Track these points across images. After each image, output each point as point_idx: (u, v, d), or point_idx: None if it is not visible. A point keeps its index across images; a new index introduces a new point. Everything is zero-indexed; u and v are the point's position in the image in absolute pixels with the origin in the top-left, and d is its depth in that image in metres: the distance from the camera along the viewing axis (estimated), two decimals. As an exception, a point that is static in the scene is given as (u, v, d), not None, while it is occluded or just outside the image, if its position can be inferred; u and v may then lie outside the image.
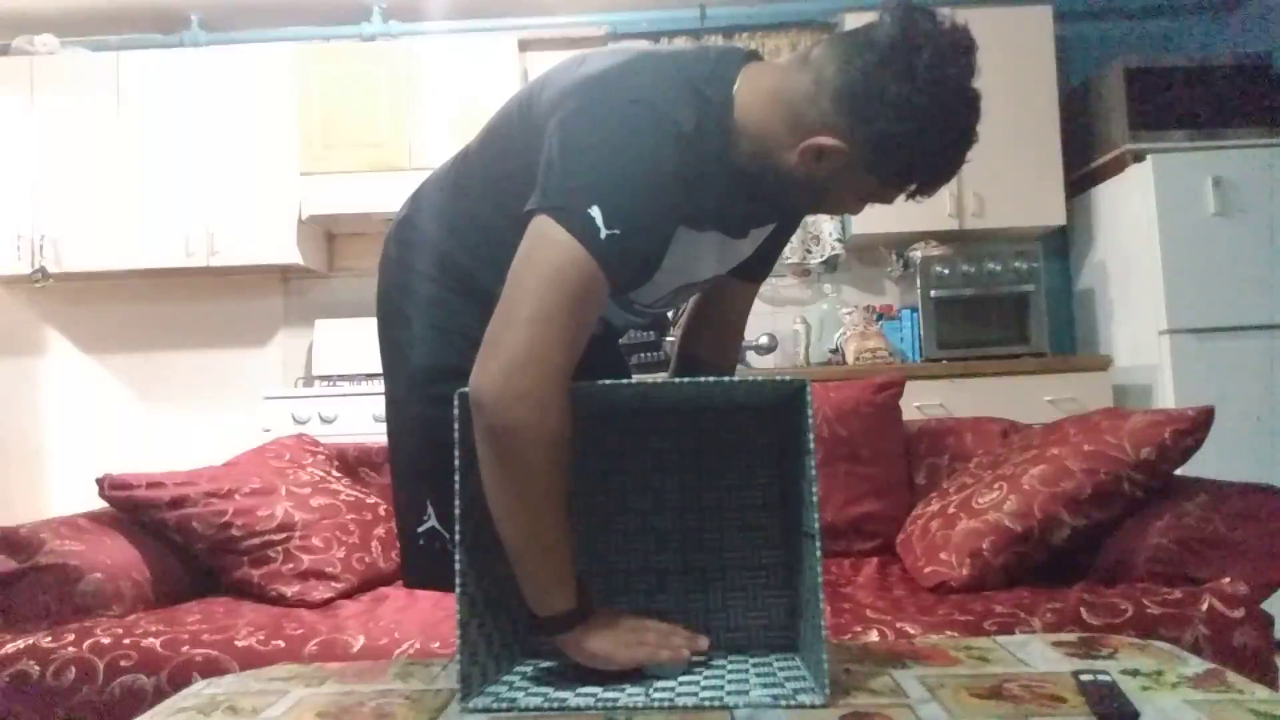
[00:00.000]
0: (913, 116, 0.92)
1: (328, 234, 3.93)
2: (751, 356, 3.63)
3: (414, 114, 3.55)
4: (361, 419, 3.23)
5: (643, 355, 3.32)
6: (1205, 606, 1.43)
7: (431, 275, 1.19)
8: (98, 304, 3.94)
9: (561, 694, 0.91)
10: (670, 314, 3.61)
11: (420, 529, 1.22)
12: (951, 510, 1.78)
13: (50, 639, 1.53)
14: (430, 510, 1.20)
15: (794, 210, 1.22)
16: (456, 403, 0.94)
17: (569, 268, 0.91)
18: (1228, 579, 1.47)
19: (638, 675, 0.94)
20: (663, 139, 0.95)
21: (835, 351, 3.58)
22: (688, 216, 1.05)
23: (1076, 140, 3.55)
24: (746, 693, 0.88)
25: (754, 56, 1.08)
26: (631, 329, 1.23)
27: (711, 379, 0.92)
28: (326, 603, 1.79)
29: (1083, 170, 3.56)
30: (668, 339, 3.59)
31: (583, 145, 0.96)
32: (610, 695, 0.89)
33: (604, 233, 0.91)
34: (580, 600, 0.96)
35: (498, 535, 0.94)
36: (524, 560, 0.94)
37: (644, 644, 0.97)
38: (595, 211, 0.91)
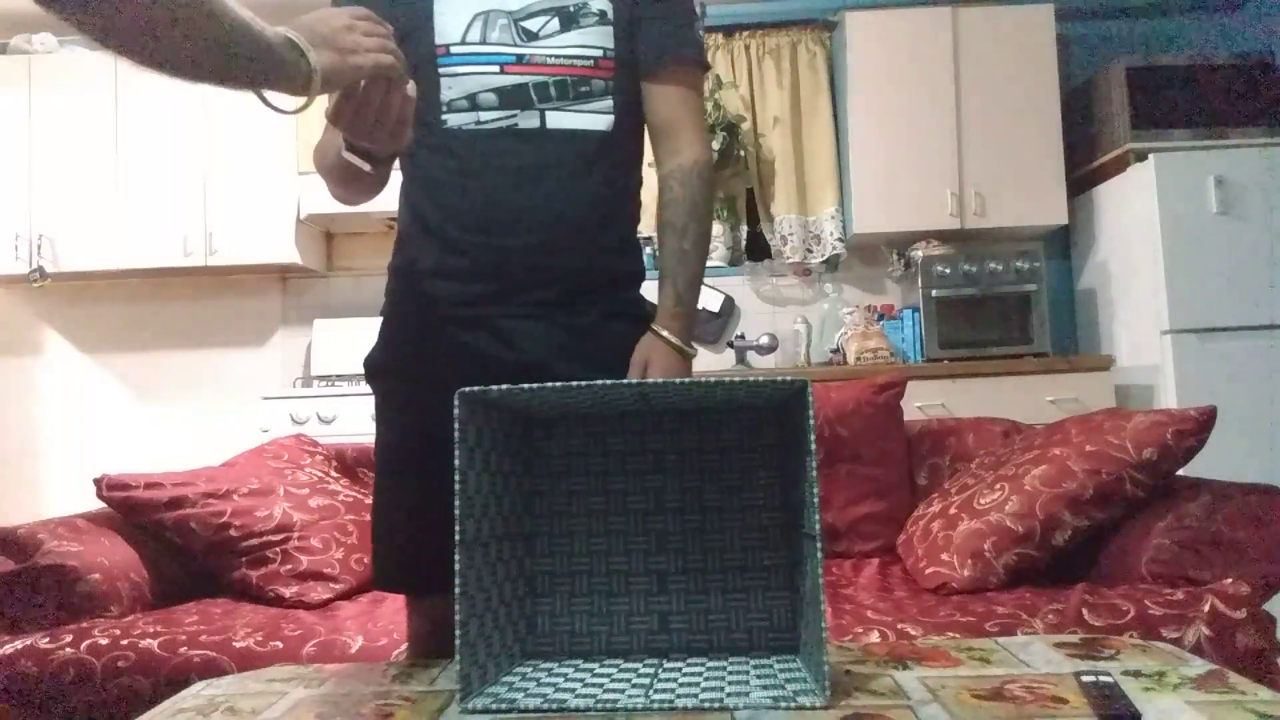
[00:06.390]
0: None
1: (326, 233, 3.93)
2: (752, 356, 3.62)
3: (413, 113, 3.54)
4: (360, 419, 3.22)
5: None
6: (1207, 607, 1.43)
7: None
8: (95, 304, 3.94)
9: (561, 695, 0.90)
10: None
11: None
12: (953, 511, 1.78)
13: (48, 640, 1.53)
14: None
15: None
16: (457, 402, 0.93)
17: None
18: (1230, 580, 1.47)
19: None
20: None
21: (836, 351, 3.58)
22: None
23: (1078, 139, 3.55)
24: (747, 694, 0.87)
25: None
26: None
27: (712, 380, 0.91)
28: (325, 604, 1.79)
29: (1084, 169, 3.56)
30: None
31: None
32: (610, 696, 0.89)
33: None
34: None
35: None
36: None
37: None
38: None
